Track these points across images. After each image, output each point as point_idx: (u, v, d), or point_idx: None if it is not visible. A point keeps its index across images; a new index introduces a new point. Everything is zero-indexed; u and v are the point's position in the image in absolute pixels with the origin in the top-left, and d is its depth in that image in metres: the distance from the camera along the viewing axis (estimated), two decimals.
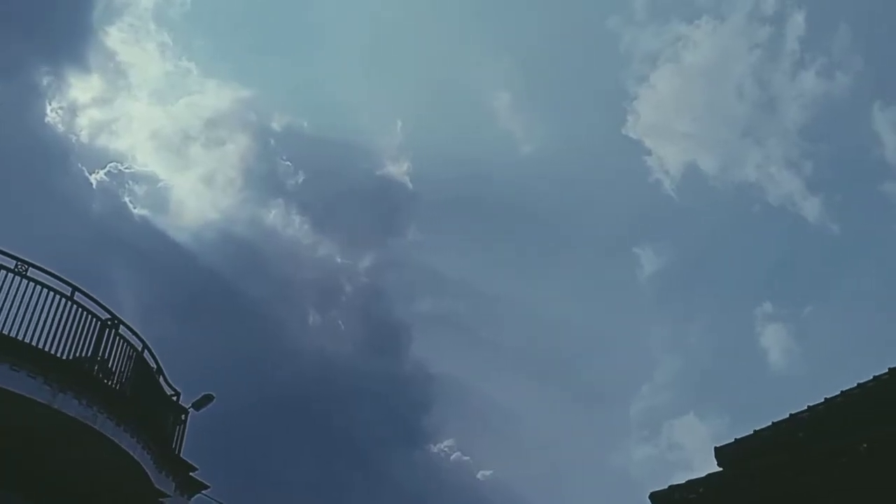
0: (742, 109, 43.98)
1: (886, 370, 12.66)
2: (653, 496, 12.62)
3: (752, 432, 12.71)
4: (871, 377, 12.70)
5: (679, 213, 48.50)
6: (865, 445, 11.40)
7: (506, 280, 51.66)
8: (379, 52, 60.85)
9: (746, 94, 43.42)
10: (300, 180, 53.22)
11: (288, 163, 54.38)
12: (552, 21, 53.43)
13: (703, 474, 12.68)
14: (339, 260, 54.50)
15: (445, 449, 48.39)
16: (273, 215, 53.60)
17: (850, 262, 43.59)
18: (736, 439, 12.61)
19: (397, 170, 53.95)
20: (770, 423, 12.67)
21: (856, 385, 12.60)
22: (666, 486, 12.67)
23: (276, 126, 55.67)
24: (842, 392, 12.58)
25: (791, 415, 12.57)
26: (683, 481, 12.78)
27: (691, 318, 46.65)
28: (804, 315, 43.96)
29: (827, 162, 44.32)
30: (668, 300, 47.49)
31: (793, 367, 41.86)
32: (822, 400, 12.64)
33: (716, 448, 12.53)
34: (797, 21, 41.42)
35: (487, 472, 48.08)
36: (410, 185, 52.62)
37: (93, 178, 50.46)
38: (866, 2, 43.46)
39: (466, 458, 47.89)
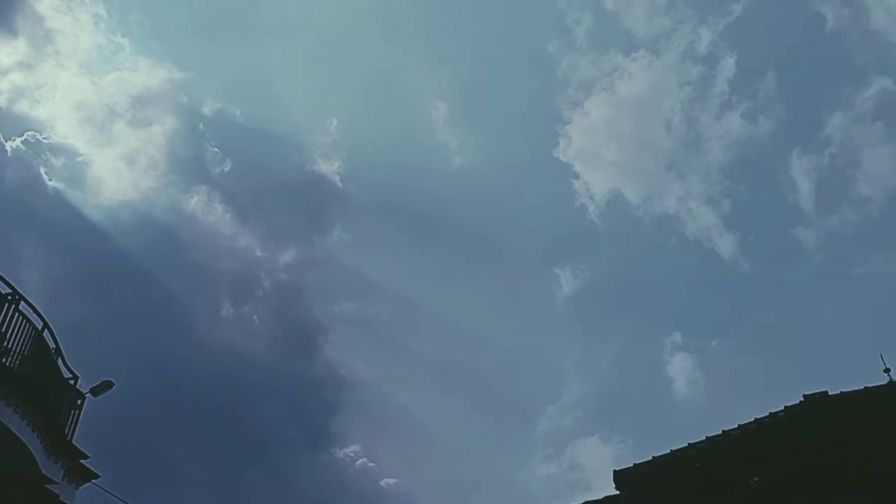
0: (668, 143, 45.65)
1: (782, 408, 13.22)
2: None
3: (651, 458, 13.03)
4: (768, 413, 13.23)
5: (601, 238, 49.71)
6: (756, 479, 11.86)
7: (429, 289, 51.85)
8: (322, 51, 60.39)
9: (674, 129, 45.10)
10: (227, 168, 52.02)
11: (216, 149, 53.11)
12: (496, 39, 54.28)
13: (600, 496, 12.96)
14: (259, 253, 53.40)
15: (351, 454, 47.96)
16: (195, 202, 52.16)
17: (757, 300, 45.54)
18: (635, 464, 12.91)
19: (328, 168, 53.70)
20: (669, 451, 13.02)
21: (753, 420, 13.09)
22: None
23: (207, 111, 54.35)
24: (739, 425, 13.05)
25: (689, 444, 12.95)
26: (581, 502, 13.04)
27: (603, 341, 47.83)
28: (710, 347, 45.60)
29: (744, 202, 46.36)
30: (583, 322, 48.55)
31: (696, 397, 43.34)
32: (720, 432, 13.08)
33: (615, 471, 12.81)
34: (728, 64, 43.45)
35: (392, 481, 47.87)
36: (340, 184, 52.23)
37: (8, 146, 48.01)
38: (794, 51, 45.80)
39: (372, 464, 47.56)
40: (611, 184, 51.64)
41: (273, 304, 50.23)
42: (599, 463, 46.71)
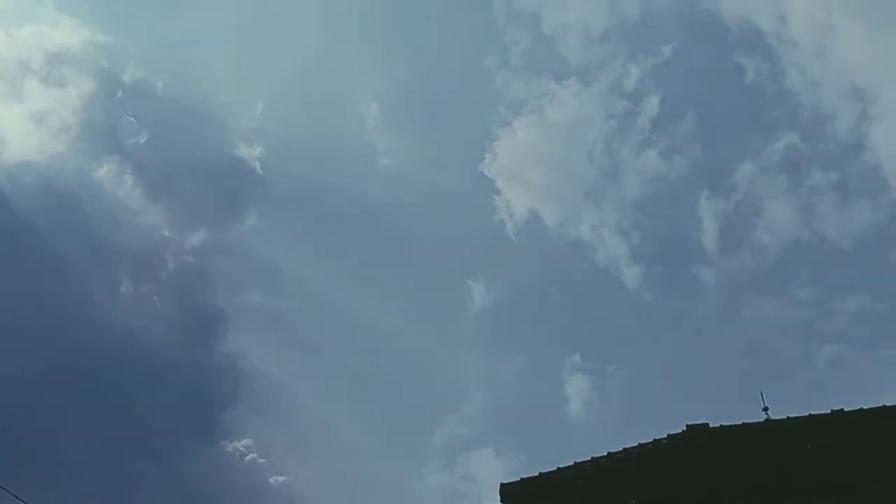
0: (589, 172, 46.81)
1: (665, 435, 13.66)
2: None
3: (538, 474, 13.24)
4: (652, 439, 13.64)
5: (515, 255, 50.30)
6: (635, 502, 12.22)
7: (340, 288, 50.87)
8: (256, 32, 58.85)
9: (595, 158, 46.28)
10: (142, 140, 49.72)
11: (132, 119, 50.71)
12: (434, 47, 54.28)
13: None
14: (166, 233, 51.10)
15: (242, 448, 46.57)
16: (104, 171, 49.59)
17: (656, 330, 47.20)
18: (522, 478, 13.10)
19: (249, 152, 51.80)
20: (556, 468, 13.27)
21: (637, 444, 13.49)
22: None
23: (127, 79, 51.90)
24: (624, 449, 13.42)
25: (575, 462, 13.23)
26: None
27: (507, 357, 48.42)
28: (607, 371, 46.98)
29: (653, 236, 47.83)
30: (490, 336, 48.97)
31: (589, 417, 44.49)
32: (606, 454, 13.41)
33: (501, 484, 12.96)
34: (652, 102, 44.90)
35: (281, 478, 46.72)
36: (260, 171, 50.74)
37: None
38: (714, 98, 47.98)
39: (262, 460, 46.31)
40: (530, 204, 52.53)
41: (176, 287, 48.34)
42: (491, 476, 47.19)
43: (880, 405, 13.23)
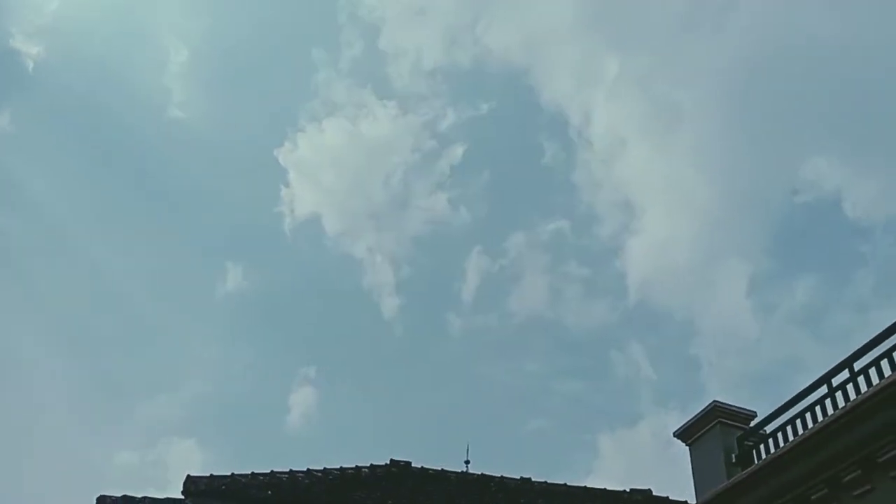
0: (380, 195, 46.79)
1: (369, 464, 13.76)
2: (101, 499, 11.78)
3: (230, 474, 12.69)
4: (355, 465, 13.67)
5: (284, 252, 48.43)
6: None
7: (84, 225, 45.35)
8: None
9: (391, 184, 46.40)
10: None
11: None
12: (266, 18, 51.33)
13: (163, 497, 12.26)
14: None
15: None
16: None
17: (395, 364, 48.03)
18: (211, 475, 12.48)
19: (26, 48, 45.38)
20: (250, 472, 12.82)
21: (339, 467, 13.45)
22: (120, 495, 11.91)
23: None
24: (325, 468, 13.33)
25: (272, 471, 12.91)
26: (140, 496, 12.18)
27: (242, 349, 46.16)
28: (337, 391, 46.76)
29: (420, 275, 48.94)
30: (231, 323, 46.40)
31: (305, 431, 43.78)
32: (306, 469, 13.22)
33: (188, 476, 12.23)
34: (457, 150, 46.30)
35: None
36: (31, 72, 44.47)
37: None
38: (511, 166, 50.68)
39: None
40: (315, 207, 51.19)
41: None
42: (186, 467, 44.64)
43: (562, 482, 14.35)
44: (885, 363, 8.65)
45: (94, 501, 11.87)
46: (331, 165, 48.53)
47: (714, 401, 10.95)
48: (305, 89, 49.81)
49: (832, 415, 8.82)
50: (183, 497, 12.21)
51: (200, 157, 48.51)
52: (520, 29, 45.71)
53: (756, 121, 41.48)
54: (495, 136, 50.24)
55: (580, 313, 45.98)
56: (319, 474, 13.34)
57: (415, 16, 47.51)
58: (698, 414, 11.13)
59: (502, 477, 14.41)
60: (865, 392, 8.48)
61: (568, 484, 14.36)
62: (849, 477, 8.47)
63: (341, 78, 49.79)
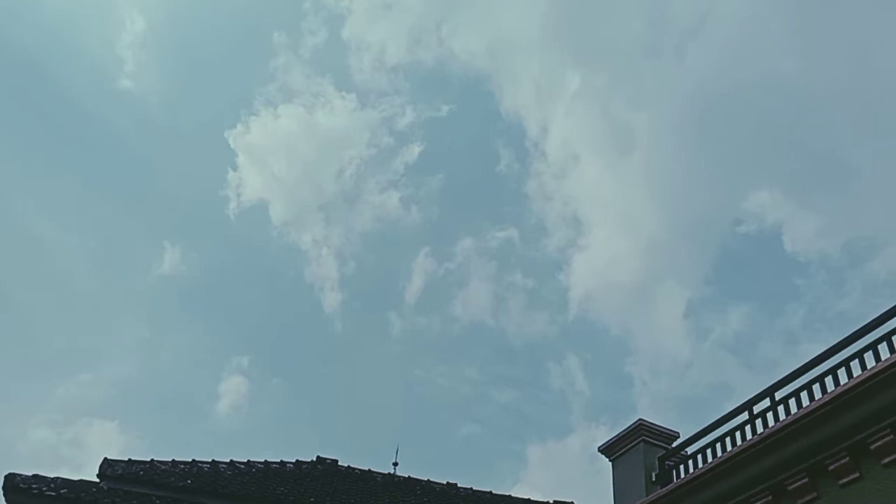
0: (332, 187, 46.06)
1: (295, 460, 13.58)
2: (9, 476, 11.34)
3: (150, 460, 12.41)
4: (280, 460, 13.49)
5: (226, 237, 47.17)
6: None
7: (14, 185, 42.78)
8: None
9: (343, 178, 45.72)
10: None
11: None
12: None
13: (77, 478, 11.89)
14: None
15: None
16: None
17: (332, 360, 47.50)
18: (129, 459, 12.19)
19: None
20: (171, 460, 12.58)
21: (263, 461, 13.25)
22: (31, 475, 11.50)
23: None
24: (248, 461, 13.13)
25: (194, 460, 12.71)
26: (53, 476, 11.79)
27: (173, 333, 44.89)
28: (270, 383, 46.01)
29: (365, 272, 48.31)
30: (164, 305, 44.98)
31: (233, 421, 42.92)
32: (229, 460, 13.01)
33: (105, 459, 11.91)
34: (413, 150, 45.93)
35: None
36: None
37: None
38: (467, 170, 50.67)
39: None
40: (262, 193, 49.92)
41: None
42: (105, 449, 43.43)
43: (488, 490, 14.38)
44: (804, 395, 8.87)
45: (2, 479, 11.44)
46: (283, 153, 47.71)
47: (639, 419, 11.10)
48: (263, 73, 48.95)
49: (750, 440, 9.01)
50: (98, 480, 11.89)
51: (147, 132, 46.85)
52: (486, 35, 45.84)
53: (706, 149, 42.41)
54: (453, 139, 50.12)
55: (521, 323, 46.34)
56: (242, 466, 13.13)
57: (381, 10, 47.12)
58: (623, 431, 11.26)
59: (429, 481, 14.38)
60: (782, 420, 8.68)
61: (493, 492, 14.39)
62: (760, 502, 8.68)
63: (301, 65, 49.10)
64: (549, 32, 44.13)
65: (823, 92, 38.29)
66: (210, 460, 13.00)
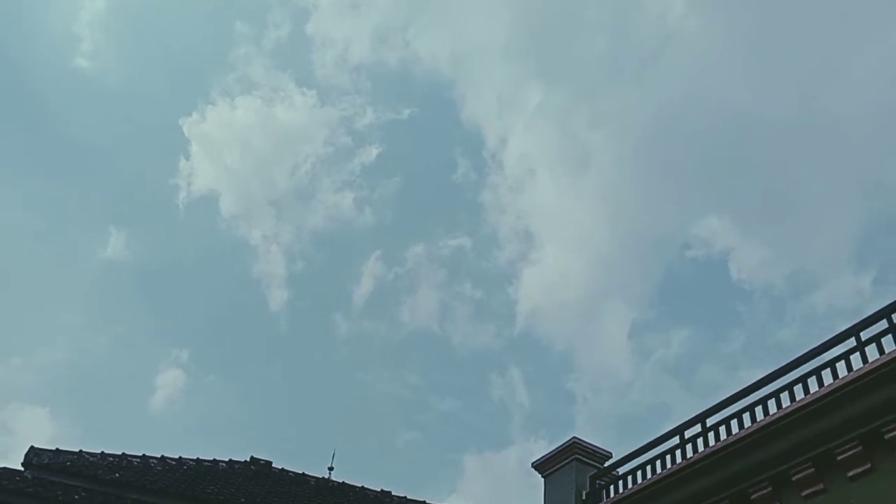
0: (285, 183, 45.39)
1: (228, 459, 13.42)
2: None
3: (79, 451, 12.13)
4: (213, 458, 13.32)
5: (173, 226, 45.94)
6: None
7: None
8: None
9: (297, 174, 45.09)
10: None
11: None
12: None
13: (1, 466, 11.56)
14: None
15: None
16: None
17: (274, 359, 46.90)
18: (57, 449, 11.90)
19: None
20: (100, 452, 12.32)
21: (195, 458, 13.04)
22: None
23: None
24: (180, 457, 12.95)
25: (124, 453, 12.48)
26: None
27: (112, 321, 43.43)
28: (207, 379, 45.13)
29: (313, 271, 47.88)
30: (104, 291, 43.55)
31: (167, 415, 41.92)
32: (160, 456, 12.82)
33: (31, 447, 11.60)
34: (371, 151, 45.62)
35: None
36: None
37: None
38: (423, 175, 50.53)
39: None
40: (213, 184, 48.77)
41: None
42: (34, 437, 42.16)
43: (422, 500, 14.39)
44: (734, 422, 9.10)
45: None
46: (237, 145, 46.81)
47: (573, 437, 11.24)
48: (222, 62, 48.06)
49: (679, 464, 9.22)
50: (22, 469, 11.57)
51: (100, 113, 45.74)
52: (451, 41, 46.01)
53: (660, 172, 43.13)
54: (411, 144, 50.08)
55: (467, 333, 46.44)
56: (174, 463, 12.91)
57: (347, 8, 46.88)
58: (557, 448, 11.39)
59: (363, 487, 14.33)
60: (711, 446, 8.91)
61: (427, 501, 14.41)
62: None
63: (262, 57, 48.45)
64: (515, 44, 44.53)
65: (774, 125, 39.36)
66: (141, 454, 12.76)
